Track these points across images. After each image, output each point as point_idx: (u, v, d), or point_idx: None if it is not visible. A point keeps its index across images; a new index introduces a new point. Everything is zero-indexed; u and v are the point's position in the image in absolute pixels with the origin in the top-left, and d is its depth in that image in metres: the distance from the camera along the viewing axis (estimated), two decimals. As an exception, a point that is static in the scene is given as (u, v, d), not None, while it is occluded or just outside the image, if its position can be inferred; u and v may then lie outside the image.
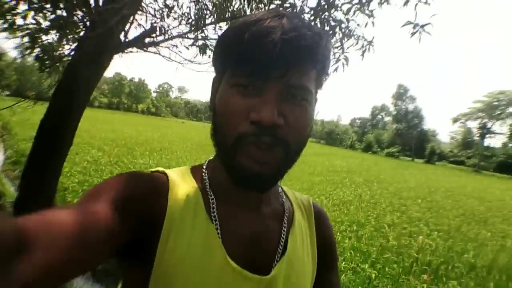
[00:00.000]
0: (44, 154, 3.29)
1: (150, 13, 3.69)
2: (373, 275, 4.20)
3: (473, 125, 59.54)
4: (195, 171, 0.69)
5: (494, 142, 65.33)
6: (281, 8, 3.59)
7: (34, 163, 3.28)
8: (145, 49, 3.59)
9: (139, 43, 3.28)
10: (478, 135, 58.83)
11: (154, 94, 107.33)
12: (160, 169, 0.66)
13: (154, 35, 3.39)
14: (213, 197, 0.63)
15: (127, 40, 3.22)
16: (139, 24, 3.63)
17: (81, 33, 3.50)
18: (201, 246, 0.56)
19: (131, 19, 3.30)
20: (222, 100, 0.58)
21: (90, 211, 0.47)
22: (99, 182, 0.56)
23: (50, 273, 0.38)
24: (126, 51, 3.39)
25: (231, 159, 0.56)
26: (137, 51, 3.51)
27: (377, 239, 5.63)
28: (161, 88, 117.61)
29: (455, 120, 61.22)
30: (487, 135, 56.77)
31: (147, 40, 3.38)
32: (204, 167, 0.69)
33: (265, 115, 0.52)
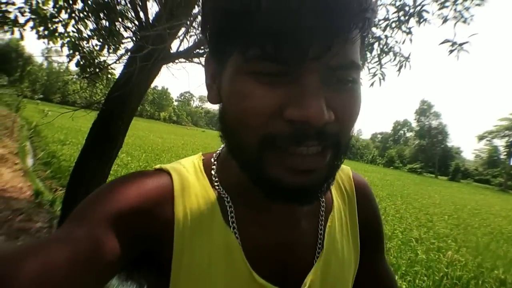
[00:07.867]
0: (94, 157, 3.49)
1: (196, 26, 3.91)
2: (404, 286, 4.23)
3: (500, 143, 58.12)
4: (208, 163, 0.55)
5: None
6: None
7: (83, 165, 3.48)
8: (190, 59, 3.79)
9: (188, 54, 3.48)
10: (504, 153, 57.21)
11: (176, 103, 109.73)
12: (164, 166, 0.52)
13: (202, 46, 3.59)
14: (229, 200, 0.50)
15: (177, 51, 3.45)
16: (187, 37, 3.84)
17: (127, 44, 3.72)
18: (223, 261, 0.46)
19: (183, 32, 3.52)
20: (237, 94, 0.40)
21: (76, 239, 0.38)
22: (88, 196, 0.45)
23: None
24: (175, 61, 3.60)
25: (258, 169, 0.41)
26: (184, 61, 3.72)
27: (405, 252, 5.63)
28: (182, 97, 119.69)
29: (481, 138, 59.82)
30: (515, 154, 55.11)
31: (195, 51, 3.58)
32: (214, 158, 0.55)
33: (313, 112, 0.36)
